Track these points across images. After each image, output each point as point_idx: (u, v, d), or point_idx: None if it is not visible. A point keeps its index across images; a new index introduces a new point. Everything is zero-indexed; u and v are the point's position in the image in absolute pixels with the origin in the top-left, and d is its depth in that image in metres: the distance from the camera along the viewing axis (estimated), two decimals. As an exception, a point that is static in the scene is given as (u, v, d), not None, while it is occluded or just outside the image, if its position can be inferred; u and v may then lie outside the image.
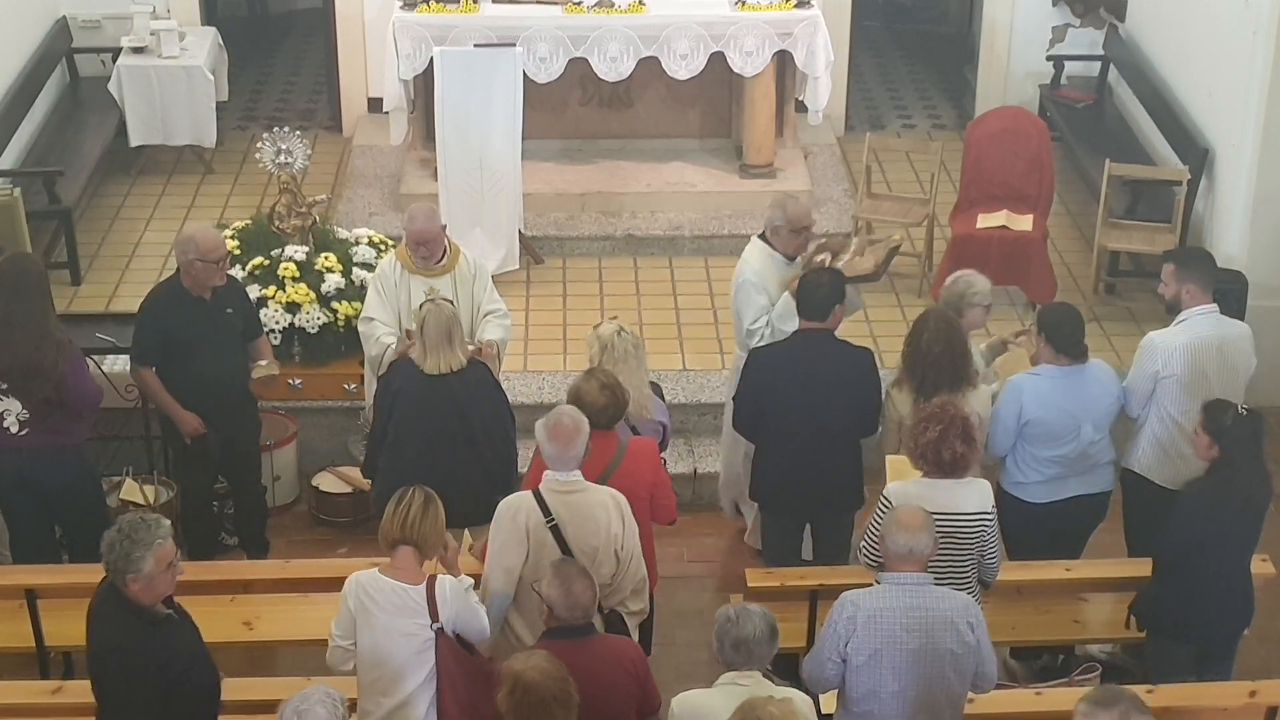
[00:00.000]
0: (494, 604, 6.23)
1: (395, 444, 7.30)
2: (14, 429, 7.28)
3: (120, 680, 5.51)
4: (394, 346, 7.88)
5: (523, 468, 7.31)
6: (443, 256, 8.04)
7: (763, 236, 7.97)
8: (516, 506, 6.32)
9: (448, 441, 7.23)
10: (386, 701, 5.91)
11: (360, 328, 8.14)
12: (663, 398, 7.57)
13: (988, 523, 6.54)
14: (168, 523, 5.65)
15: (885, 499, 6.52)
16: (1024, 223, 10.10)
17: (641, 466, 6.70)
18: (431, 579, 5.93)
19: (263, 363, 8.01)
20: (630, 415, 7.01)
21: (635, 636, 6.41)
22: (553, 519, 6.25)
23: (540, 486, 6.34)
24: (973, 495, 6.53)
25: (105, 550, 5.56)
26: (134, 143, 11.69)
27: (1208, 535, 6.59)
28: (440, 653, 5.86)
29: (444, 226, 8.09)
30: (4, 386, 7.23)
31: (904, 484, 6.60)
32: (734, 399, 7.56)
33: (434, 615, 5.86)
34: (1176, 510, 6.72)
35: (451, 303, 7.46)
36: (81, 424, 7.43)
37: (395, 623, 5.86)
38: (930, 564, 6.00)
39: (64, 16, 12.01)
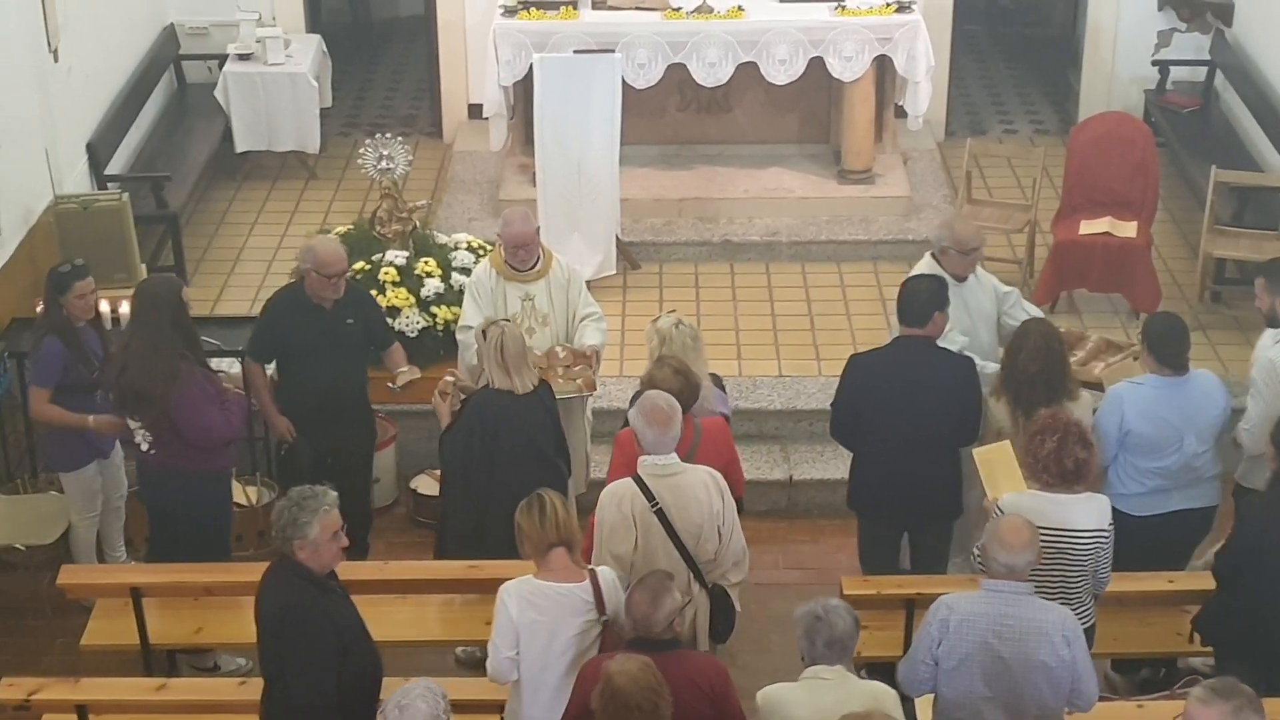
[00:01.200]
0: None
1: (505, 475, 7.15)
2: (144, 447, 7.38)
3: (299, 640, 5.61)
4: None
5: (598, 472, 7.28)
6: (536, 262, 8.08)
7: (934, 255, 7.86)
8: (620, 495, 6.40)
9: (537, 458, 7.26)
10: (544, 698, 5.96)
11: (459, 336, 8.17)
12: (723, 389, 7.60)
13: (1103, 541, 6.45)
14: (335, 494, 5.82)
15: (999, 509, 6.47)
16: (1128, 229, 9.98)
17: (719, 447, 6.78)
18: (592, 574, 6.00)
19: (403, 369, 8.03)
20: (692, 408, 7.07)
21: (739, 606, 6.58)
22: (657, 503, 6.34)
23: (639, 471, 6.41)
24: (1090, 511, 6.45)
25: (275, 517, 5.76)
26: (239, 148, 11.84)
27: (1269, 546, 6.46)
28: (604, 644, 5.95)
29: (538, 229, 8.12)
30: (133, 405, 7.32)
31: (1019, 496, 6.54)
32: (832, 404, 7.52)
33: (601, 608, 5.94)
34: (1237, 522, 6.62)
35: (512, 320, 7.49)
36: (210, 452, 7.37)
37: (566, 625, 5.91)
38: (1041, 579, 5.98)
39: (172, 24, 12.20)
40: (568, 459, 7.48)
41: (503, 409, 7.20)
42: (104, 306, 8.36)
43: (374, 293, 9.06)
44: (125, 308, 8.68)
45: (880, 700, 5.61)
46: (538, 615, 5.91)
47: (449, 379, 7.61)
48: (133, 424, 7.34)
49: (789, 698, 5.65)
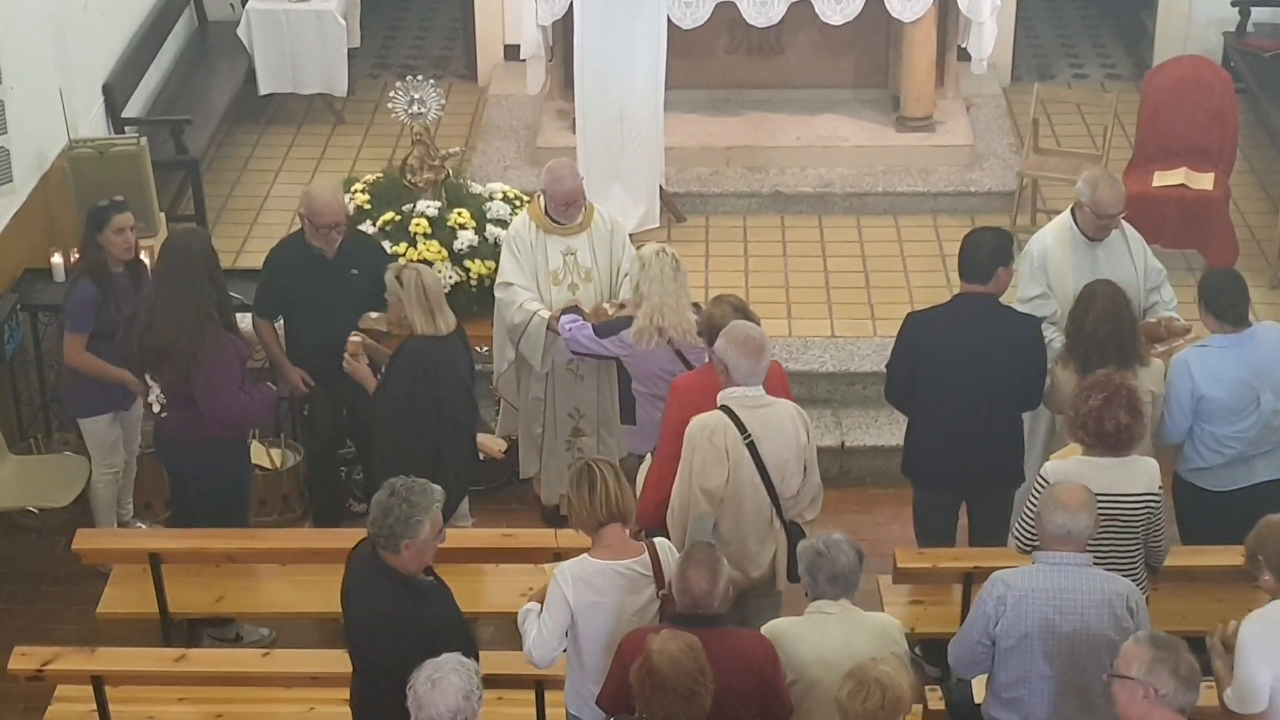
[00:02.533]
0: (701, 527, 6.39)
1: (454, 424, 7.24)
2: (156, 408, 7.41)
3: (393, 652, 5.54)
4: (541, 314, 7.90)
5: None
6: (579, 215, 8.08)
7: (1074, 208, 7.77)
8: (711, 427, 6.48)
9: (469, 400, 7.36)
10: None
11: (498, 294, 8.17)
12: None
13: (1154, 504, 6.44)
14: (440, 489, 5.75)
15: (1042, 478, 6.47)
16: (1204, 181, 9.89)
17: (777, 390, 6.80)
18: (650, 545, 6.01)
19: (373, 315, 7.79)
20: (675, 340, 7.24)
21: None
22: (749, 435, 6.44)
23: (725, 403, 6.49)
24: (1138, 475, 6.43)
25: (379, 514, 5.62)
26: (263, 91, 11.86)
27: None
28: (662, 615, 5.96)
29: (582, 181, 8.12)
30: (155, 364, 7.35)
31: (1063, 461, 6.53)
32: (888, 366, 7.51)
33: (660, 581, 5.94)
34: None
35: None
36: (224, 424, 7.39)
37: (627, 604, 5.91)
38: (1095, 550, 5.93)
39: (193, -42, 12.25)
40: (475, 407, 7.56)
41: (440, 354, 7.22)
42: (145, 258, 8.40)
43: (404, 245, 9.08)
44: (147, 260, 8.73)
45: (885, 632, 5.76)
46: (597, 597, 5.90)
47: (355, 339, 7.57)
48: (150, 383, 7.37)
49: (792, 632, 5.78)
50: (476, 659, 5.62)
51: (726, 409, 6.52)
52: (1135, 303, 7.44)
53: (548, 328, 7.94)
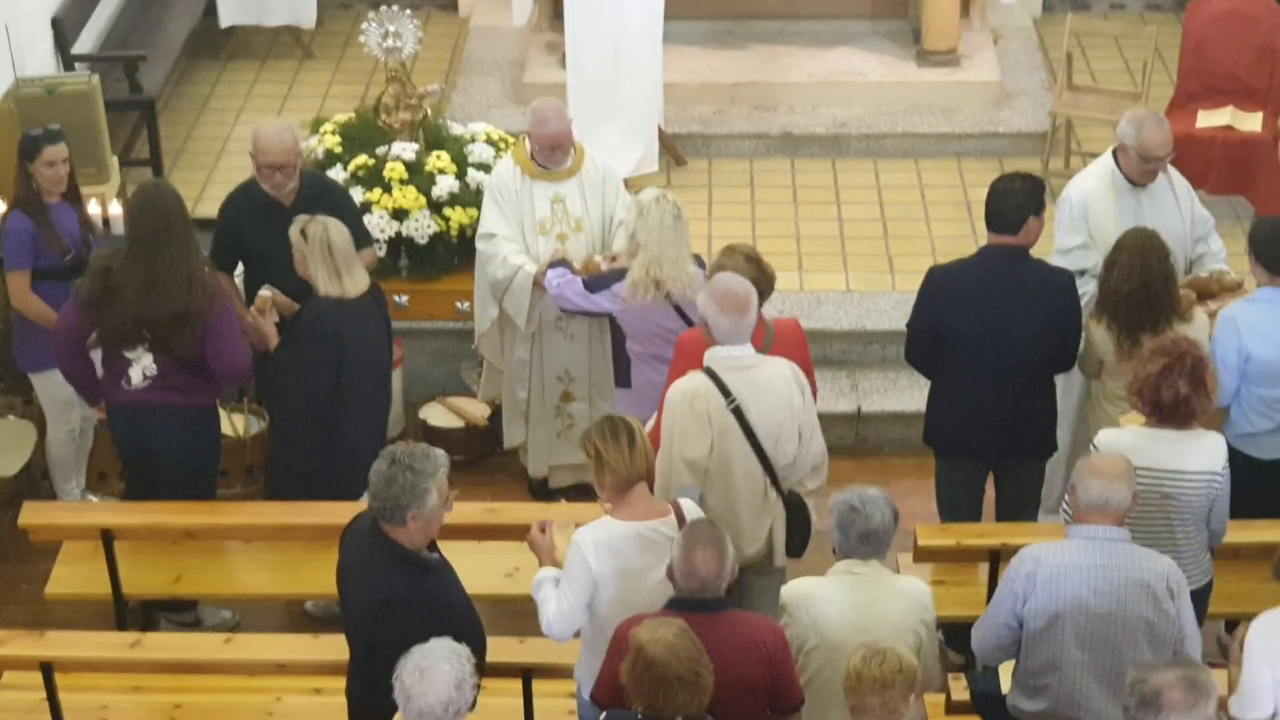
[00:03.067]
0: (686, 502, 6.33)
1: (352, 395, 7.24)
2: (129, 384, 7.30)
3: (396, 635, 5.49)
4: (527, 268, 7.87)
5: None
6: (568, 159, 8.04)
7: (1115, 150, 7.77)
8: (691, 392, 6.44)
9: (380, 371, 7.37)
10: None
11: (480, 245, 8.15)
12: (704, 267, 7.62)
13: (1217, 484, 6.40)
14: (444, 453, 5.74)
15: (1094, 448, 6.45)
16: (1252, 121, 9.86)
17: (792, 350, 6.80)
18: (675, 506, 6.01)
19: (264, 292, 7.61)
20: (673, 295, 7.25)
21: (815, 517, 6.64)
22: (734, 400, 6.42)
23: (709, 365, 6.45)
24: (1200, 450, 6.39)
25: (381, 485, 5.61)
26: (224, 23, 11.80)
27: None
28: None
29: (571, 123, 8.06)
30: (146, 336, 7.24)
31: (1117, 431, 6.52)
32: (908, 324, 7.48)
33: None
34: None
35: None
36: (212, 387, 7.38)
37: (654, 569, 5.85)
38: (1146, 529, 5.94)
39: (146, -123, 12.14)
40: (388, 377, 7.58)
41: (345, 318, 7.20)
42: (93, 207, 8.37)
43: (378, 192, 9.03)
44: (116, 209, 8.70)
45: (916, 598, 5.83)
46: (620, 562, 5.88)
47: (265, 293, 7.56)
48: (130, 354, 7.29)
49: (818, 593, 5.80)
50: (484, 643, 5.64)
51: (709, 371, 6.46)
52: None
53: (534, 283, 7.88)
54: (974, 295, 7.20)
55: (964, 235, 9.77)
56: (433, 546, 5.80)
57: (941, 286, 7.32)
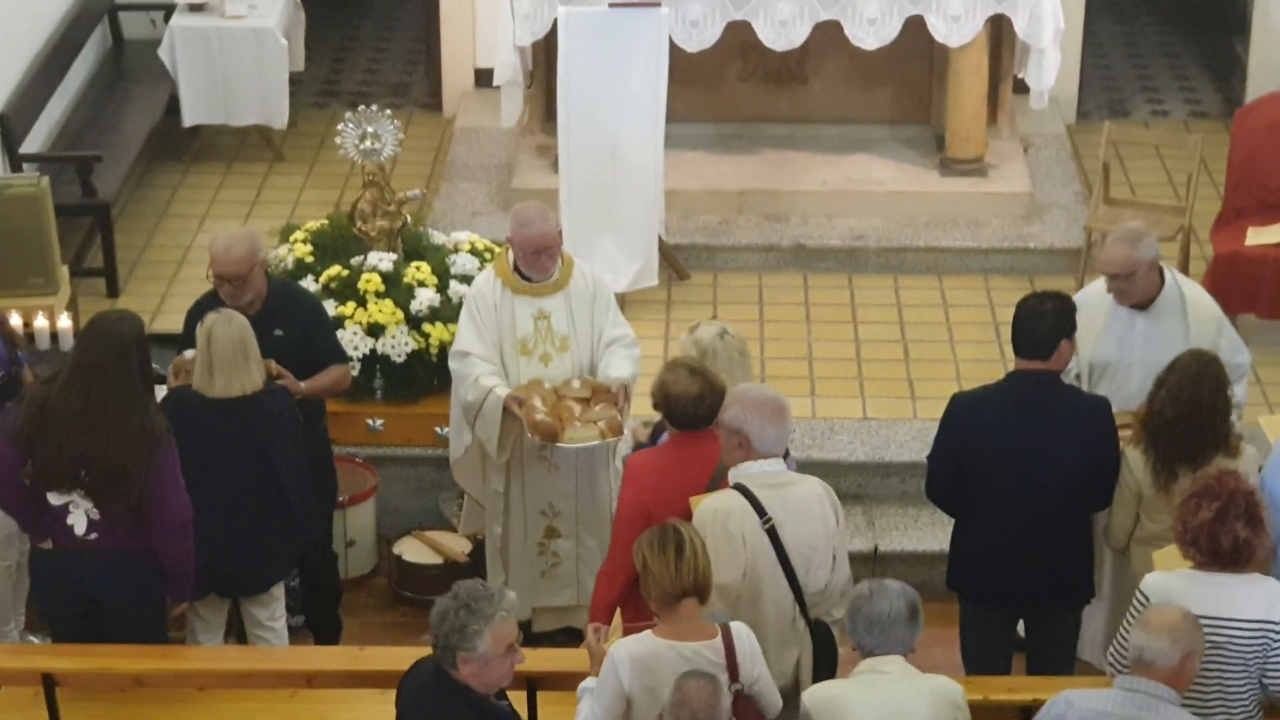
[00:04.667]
0: None
1: (194, 496, 7.23)
2: (79, 530, 7.20)
3: None
4: (498, 390, 7.88)
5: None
6: (554, 270, 8.06)
7: None
8: (725, 510, 6.48)
9: (247, 487, 7.38)
10: None
11: (452, 365, 8.14)
12: None
13: (1274, 635, 6.34)
14: (513, 595, 5.84)
15: (1141, 595, 6.45)
16: (1307, 240, 9.90)
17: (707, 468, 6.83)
18: (725, 629, 6.06)
19: (188, 354, 7.66)
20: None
21: (842, 650, 6.67)
22: (769, 519, 6.46)
23: (740, 482, 6.51)
24: (1253, 596, 6.35)
25: (437, 620, 5.75)
26: (188, 122, 11.86)
27: None
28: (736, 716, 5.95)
29: (560, 230, 8.10)
30: (84, 477, 7.14)
31: (1165, 575, 6.49)
32: (930, 456, 7.46)
33: (734, 673, 5.99)
34: None
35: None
36: (161, 546, 7.25)
37: None
38: (1194, 682, 5.91)
39: (106, -34, 12.28)
40: (303, 492, 7.58)
41: (188, 415, 7.28)
42: (15, 319, 8.34)
43: (352, 306, 9.04)
44: (65, 323, 8.67)
45: (948, 697, 5.94)
46: (654, 681, 5.91)
47: (187, 355, 7.67)
48: (62, 497, 7.20)
49: (843, 695, 5.90)
50: None
51: (742, 489, 6.51)
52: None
53: (508, 408, 7.87)
54: (1002, 425, 7.18)
55: (991, 359, 9.79)
56: (502, 695, 5.87)
57: (966, 415, 7.30)
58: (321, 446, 8.20)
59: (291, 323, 7.92)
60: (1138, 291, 7.74)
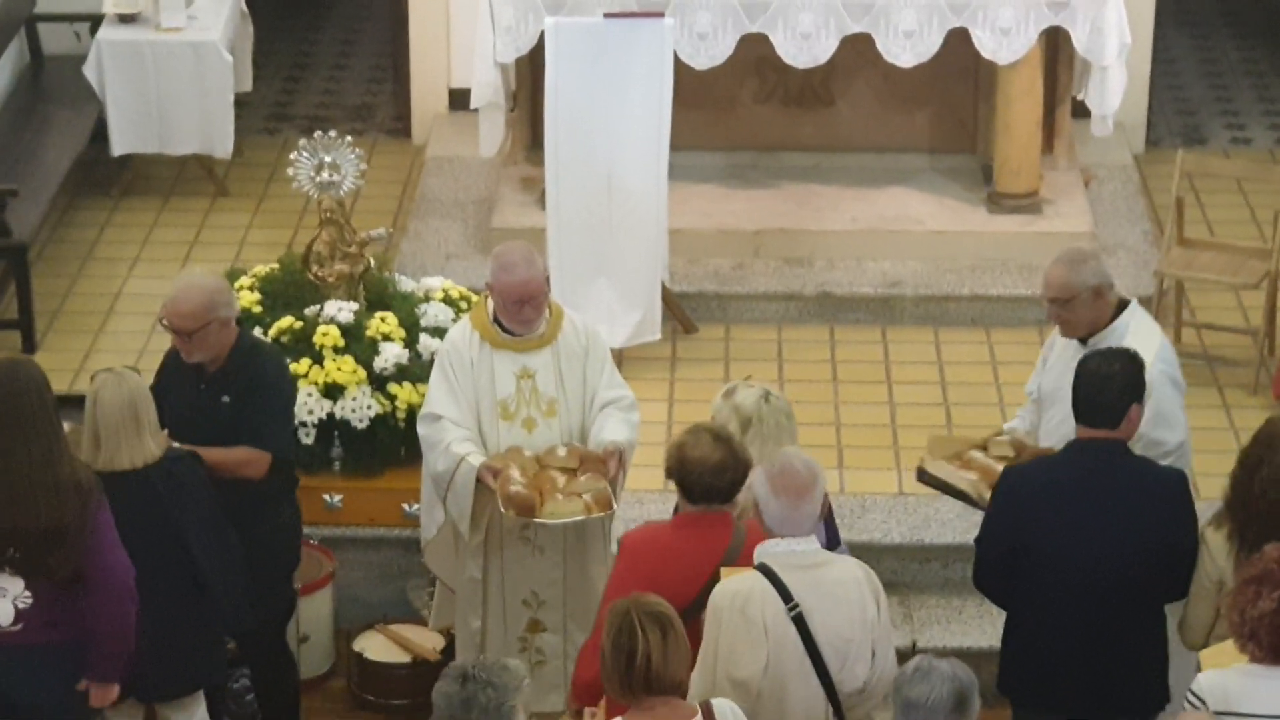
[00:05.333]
0: None
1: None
2: (4, 621, 7.16)
3: None
4: (471, 459, 7.85)
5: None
6: (541, 322, 8.03)
7: None
8: (745, 593, 6.50)
9: (156, 573, 7.32)
10: None
11: (422, 430, 8.10)
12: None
13: None
14: (519, 664, 5.99)
15: (1194, 695, 6.44)
16: None
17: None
18: (707, 707, 6.12)
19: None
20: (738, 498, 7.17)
21: None
22: (796, 605, 6.48)
23: (763, 561, 6.55)
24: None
25: (457, 709, 5.81)
26: (117, 151, 11.88)
27: None
28: None
29: (546, 273, 8.08)
30: (14, 555, 7.11)
31: (1222, 674, 6.47)
32: (978, 540, 7.43)
33: None
34: None
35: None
36: (100, 614, 7.22)
37: None
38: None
39: (24, -30, 12.29)
40: (225, 569, 7.57)
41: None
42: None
43: (307, 364, 9.01)
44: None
45: None
46: None
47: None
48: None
49: None
50: None
51: (765, 569, 6.53)
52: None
53: (481, 478, 7.83)
54: (1062, 504, 7.16)
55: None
56: None
57: (1020, 492, 7.28)
58: (287, 521, 8.20)
59: (243, 388, 7.91)
60: (1079, 322, 7.90)
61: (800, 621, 6.49)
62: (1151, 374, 7.62)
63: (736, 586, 6.54)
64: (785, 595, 6.48)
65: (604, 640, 6.09)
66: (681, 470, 6.93)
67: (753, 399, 7.41)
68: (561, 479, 7.85)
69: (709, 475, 6.85)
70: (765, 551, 6.59)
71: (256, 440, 7.96)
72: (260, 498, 7.96)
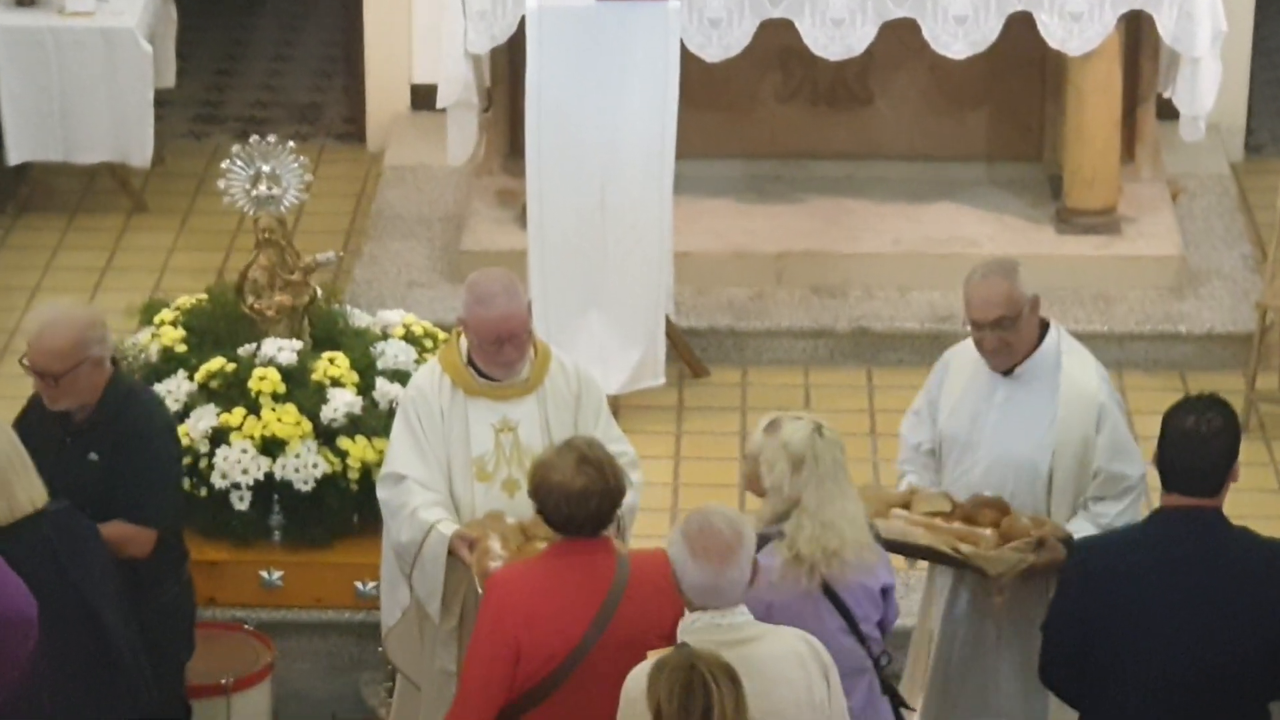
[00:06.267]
0: None
1: None
2: None
3: None
4: (442, 527, 7.85)
5: None
6: (525, 365, 8.04)
7: None
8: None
9: (62, 630, 7.32)
10: None
11: (382, 494, 8.10)
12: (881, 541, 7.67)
13: None
14: None
15: None
16: None
17: (661, 599, 6.85)
18: None
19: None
20: (833, 577, 7.27)
21: None
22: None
23: (685, 640, 6.52)
24: None
25: None
26: (13, 159, 11.94)
27: None
28: None
29: (529, 305, 8.07)
30: None
31: None
32: (1045, 625, 7.42)
33: None
34: None
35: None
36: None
37: None
38: None
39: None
40: (122, 620, 7.57)
41: None
42: None
43: (240, 414, 9.00)
44: None
45: None
46: None
47: None
48: None
49: None
50: None
51: (685, 649, 6.44)
52: (1015, 487, 7.97)
53: (454, 550, 7.83)
54: (1148, 585, 7.12)
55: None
56: None
57: (1097, 570, 7.24)
58: (172, 603, 8.20)
59: (112, 444, 7.90)
60: (1022, 344, 7.99)
61: None
62: (1101, 399, 7.94)
63: (645, 674, 6.43)
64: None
65: (662, 702, 6.10)
66: (540, 494, 7.01)
67: (804, 434, 7.41)
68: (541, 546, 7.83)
69: (569, 504, 6.92)
70: (686, 629, 6.60)
71: (136, 512, 7.93)
72: (138, 575, 7.92)
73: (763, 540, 7.38)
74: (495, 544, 7.82)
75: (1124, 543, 7.36)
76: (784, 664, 6.61)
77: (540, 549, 7.84)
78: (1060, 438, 8.01)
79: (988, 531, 7.87)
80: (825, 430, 7.46)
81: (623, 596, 6.93)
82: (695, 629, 6.58)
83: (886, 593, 7.52)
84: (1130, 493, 8.05)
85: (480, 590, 7.79)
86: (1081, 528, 7.95)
